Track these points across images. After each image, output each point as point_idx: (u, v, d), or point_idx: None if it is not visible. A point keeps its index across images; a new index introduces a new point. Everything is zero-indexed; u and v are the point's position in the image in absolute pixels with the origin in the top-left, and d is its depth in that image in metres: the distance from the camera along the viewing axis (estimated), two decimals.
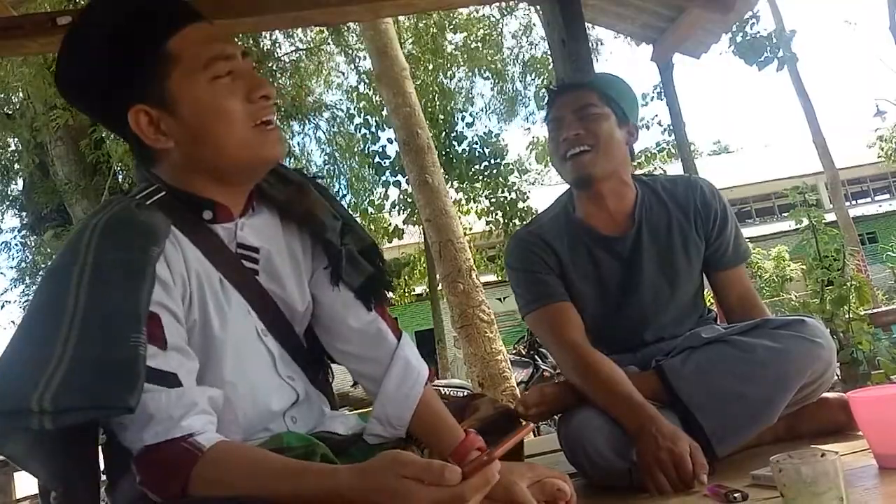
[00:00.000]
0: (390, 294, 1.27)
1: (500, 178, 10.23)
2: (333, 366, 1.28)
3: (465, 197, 10.32)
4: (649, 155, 10.76)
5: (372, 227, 11.36)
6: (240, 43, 1.03)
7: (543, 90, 10.28)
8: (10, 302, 10.91)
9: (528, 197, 10.45)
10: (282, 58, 9.73)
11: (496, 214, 10.31)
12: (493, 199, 10.30)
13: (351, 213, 1.27)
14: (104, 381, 0.85)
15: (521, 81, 12.19)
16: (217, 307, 1.03)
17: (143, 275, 0.91)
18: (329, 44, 10.17)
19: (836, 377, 2.82)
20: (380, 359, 1.17)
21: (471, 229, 10.29)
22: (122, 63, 0.97)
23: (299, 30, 9.44)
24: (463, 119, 10.71)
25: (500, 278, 11.08)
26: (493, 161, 10.18)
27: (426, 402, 1.16)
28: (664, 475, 1.24)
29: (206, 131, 0.98)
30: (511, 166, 10.58)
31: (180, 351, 0.95)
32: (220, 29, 1.03)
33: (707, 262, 1.64)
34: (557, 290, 1.58)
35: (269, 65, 9.07)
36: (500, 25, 11.24)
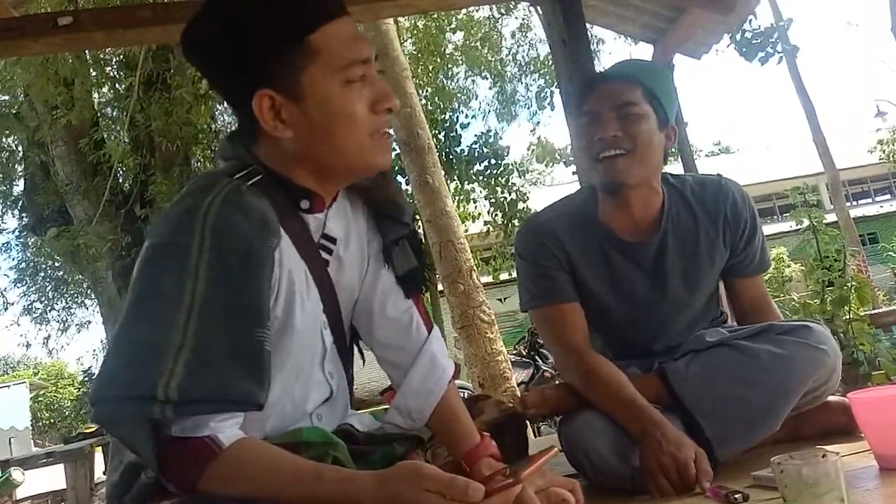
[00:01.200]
0: (429, 287, 1.29)
1: (500, 179, 10.22)
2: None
3: (464, 198, 10.31)
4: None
5: None
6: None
7: (545, 91, 10.30)
8: (11, 304, 10.91)
9: (528, 197, 10.44)
10: None
11: (495, 215, 10.31)
12: (493, 200, 10.30)
13: None
14: (232, 375, 0.85)
15: (520, 82, 12.18)
16: (301, 305, 1.02)
17: (263, 266, 0.91)
18: None
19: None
20: (409, 348, 1.17)
21: (466, 230, 10.33)
22: (262, 46, 0.95)
23: None
24: (460, 121, 10.71)
25: (494, 280, 11.08)
26: (492, 161, 10.18)
27: (447, 400, 1.16)
28: (667, 480, 1.23)
29: (329, 131, 0.97)
30: (511, 166, 10.58)
31: (269, 354, 0.94)
32: (360, 33, 1.01)
33: (729, 269, 1.58)
34: (565, 289, 1.52)
35: None
36: (499, 25, 11.23)
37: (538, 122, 12.68)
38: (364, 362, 1.27)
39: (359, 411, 1.29)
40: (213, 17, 0.98)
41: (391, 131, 1.03)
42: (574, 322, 1.52)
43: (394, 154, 9.55)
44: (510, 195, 10.21)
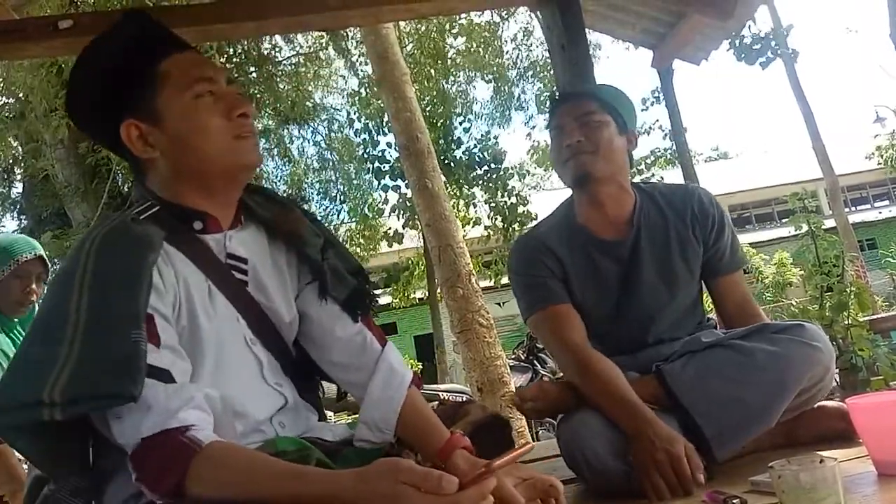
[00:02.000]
0: (377, 303, 1.33)
1: (500, 183, 10.24)
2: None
3: (465, 203, 10.32)
4: (649, 162, 10.78)
5: (366, 232, 11.38)
6: (233, 61, 1.14)
7: (545, 94, 10.34)
8: None
9: (528, 201, 10.46)
10: (282, 62, 9.75)
11: (495, 220, 10.32)
12: (493, 204, 10.31)
13: (335, 234, 1.36)
14: (109, 374, 0.91)
15: (518, 86, 12.21)
16: (205, 314, 1.07)
17: (140, 279, 0.98)
18: (328, 48, 10.17)
19: (835, 383, 2.81)
20: (366, 366, 1.21)
21: (465, 235, 10.36)
22: (117, 83, 1.08)
23: (299, 34, 9.46)
24: (461, 123, 10.73)
25: (495, 284, 11.10)
26: (492, 166, 10.20)
27: (411, 404, 1.19)
28: (661, 477, 1.25)
29: (188, 142, 1.08)
30: (511, 170, 10.60)
31: (173, 350, 1.00)
32: (205, 58, 1.17)
33: (705, 268, 1.66)
34: (559, 293, 1.61)
35: (269, 69, 9.08)
36: (500, 30, 11.26)
37: (534, 126, 12.70)
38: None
39: (339, 419, 1.30)
40: (76, 78, 1.13)
41: (253, 133, 1.12)
42: (571, 321, 1.58)
43: (393, 158, 9.62)
44: (510, 199, 10.23)
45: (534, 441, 4.06)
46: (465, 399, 4.15)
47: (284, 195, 1.33)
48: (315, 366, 1.27)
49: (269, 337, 1.17)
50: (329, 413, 3.14)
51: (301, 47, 10.08)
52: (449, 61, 11.03)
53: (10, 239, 2.25)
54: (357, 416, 1.25)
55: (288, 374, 1.20)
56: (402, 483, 0.79)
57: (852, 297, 2.72)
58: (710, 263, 1.66)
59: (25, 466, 2.13)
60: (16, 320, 2.23)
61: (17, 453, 2.10)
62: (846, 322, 2.64)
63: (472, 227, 10.63)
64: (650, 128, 11.46)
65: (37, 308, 2.17)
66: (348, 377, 1.23)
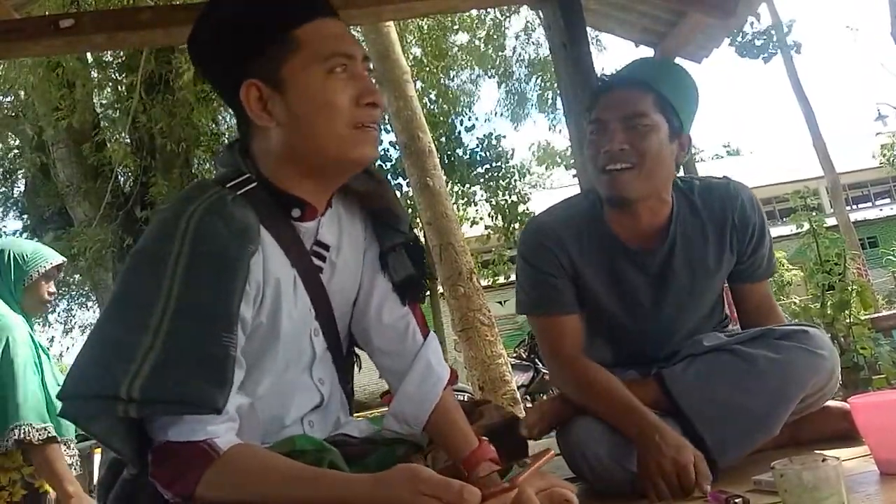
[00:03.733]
0: (426, 294, 1.29)
1: (502, 182, 10.23)
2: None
3: (466, 202, 10.31)
4: None
5: None
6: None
7: (548, 92, 10.31)
8: None
9: (528, 199, 10.45)
10: None
11: (496, 219, 10.31)
12: (494, 203, 10.30)
13: None
14: (194, 378, 0.86)
15: (523, 83, 12.19)
16: (288, 309, 1.03)
17: (237, 272, 0.92)
18: None
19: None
20: (405, 354, 1.18)
21: (463, 235, 10.36)
22: (249, 38, 0.99)
23: None
24: (462, 123, 10.72)
25: (492, 283, 11.09)
26: (494, 164, 10.19)
27: (444, 406, 1.16)
28: (666, 484, 1.23)
29: (309, 120, 0.99)
30: (513, 168, 10.59)
31: (235, 362, 0.94)
32: (347, 31, 1.04)
33: (735, 274, 1.57)
34: (565, 300, 1.49)
35: None
36: (504, 26, 11.24)
37: (535, 122, 12.70)
38: (360, 367, 1.28)
39: (356, 416, 1.29)
40: (207, 16, 1.04)
41: (376, 126, 1.04)
42: (570, 333, 1.50)
43: (394, 156, 9.61)
44: (511, 198, 10.22)
45: (536, 440, 4.06)
46: (466, 398, 4.15)
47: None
48: (355, 358, 1.25)
49: (331, 328, 1.13)
50: None
51: None
52: (451, 59, 11.01)
53: (35, 245, 2.34)
54: (371, 413, 1.25)
55: (335, 365, 1.17)
56: (421, 492, 0.78)
57: (854, 295, 2.72)
58: (744, 272, 1.55)
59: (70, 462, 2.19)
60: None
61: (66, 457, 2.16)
62: (848, 321, 2.64)
63: (472, 226, 10.62)
64: None
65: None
66: (386, 362, 1.19)
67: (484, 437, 1.16)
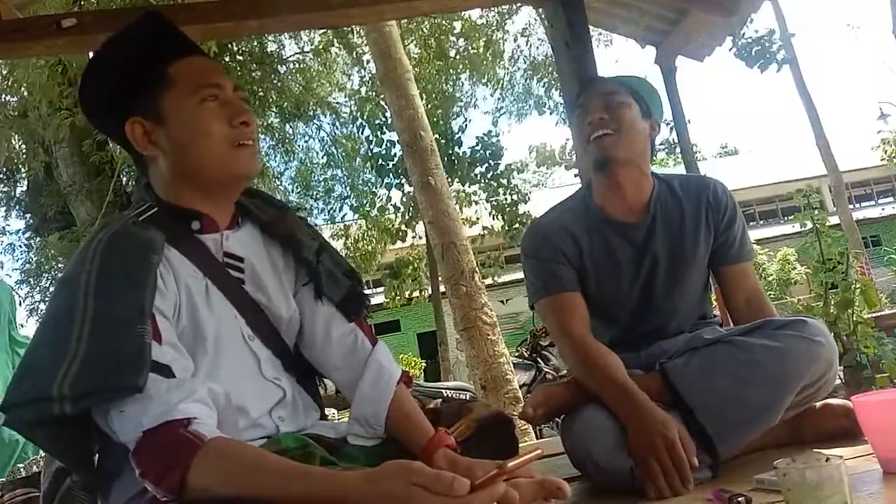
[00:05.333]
0: (369, 304, 1.36)
1: (502, 180, 10.22)
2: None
3: (465, 201, 10.31)
4: (651, 161, 10.77)
5: (375, 231, 11.38)
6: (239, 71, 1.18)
7: (548, 94, 10.32)
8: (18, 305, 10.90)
9: (528, 198, 10.45)
10: (287, 60, 9.75)
11: (496, 218, 10.31)
12: (494, 203, 10.30)
13: (346, 231, 1.41)
14: (115, 367, 0.93)
15: (524, 83, 12.18)
16: (204, 313, 1.10)
17: (145, 279, 1.01)
18: (334, 46, 10.17)
19: (839, 380, 2.81)
20: (357, 365, 1.24)
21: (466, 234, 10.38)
22: (127, 82, 1.12)
23: (304, 32, 9.45)
24: (460, 124, 10.72)
25: (494, 282, 11.10)
26: (492, 162, 10.18)
27: (398, 401, 1.21)
28: (657, 461, 1.27)
29: (189, 144, 1.11)
30: (512, 166, 10.59)
31: (175, 347, 1.02)
32: (215, 64, 1.21)
33: (714, 256, 1.67)
34: (567, 280, 1.61)
35: (273, 66, 9.08)
36: (504, 27, 11.23)
37: (535, 121, 12.70)
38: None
39: (338, 420, 1.32)
40: (90, 68, 1.17)
41: (252, 141, 1.15)
42: (576, 310, 1.59)
43: (397, 156, 9.62)
44: (510, 197, 10.21)
45: (537, 439, 4.06)
46: (468, 397, 4.15)
47: (284, 193, 1.37)
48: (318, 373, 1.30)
49: (268, 334, 1.19)
50: (333, 411, 3.14)
51: (306, 45, 10.08)
52: (451, 61, 10.99)
53: None
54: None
55: (288, 371, 1.22)
56: (413, 484, 0.79)
57: (858, 293, 2.71)
58: (720, 251, 1.66)
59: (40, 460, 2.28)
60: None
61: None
62: (851, 319, 2.63)
63: (470, 227, 10.62)
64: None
65: None
66: (341, 376, 1.26)
67: (441, 428, 1.18)
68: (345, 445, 1.16)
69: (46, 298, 11.35)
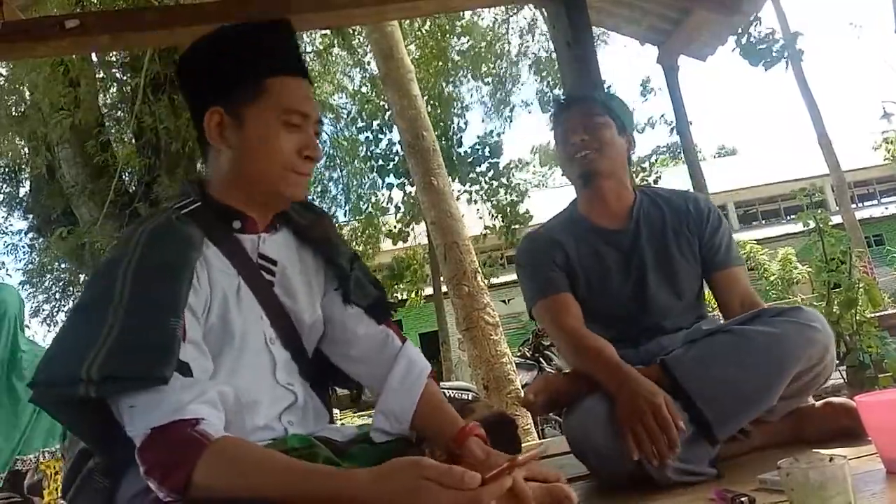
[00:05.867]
0: (396, 311, 1.42)
1: (502, 179, 10.22)
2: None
3: (466, 200, 10.31)
4: (653, 161, 10.75)
5: (370, 230, 11.38)
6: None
7: (548, 93, 10.33)
8: None
9: (528, 196, 10.45)
10: None
11: (496, 218, 10.32)
12: (495, 202, 10.30)
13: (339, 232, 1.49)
14: (143, 356, 0.95)
15: (523, 83, 12.17)
16: (234, 312, 1.11)
17: (182, 273, 1.03)
18: (335, 47, 10.17)
19: (842, 380, 2.80)
20: (386, 359, 1.25)
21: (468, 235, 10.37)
22: (227, 74, 1.14)
23: (305, 33, 9.46)
24: (460, 124, 10.71)
25: (496, 280, 11.10)
26: (492, 161, 10.19)
27: (428, 394, 1.22)
28: (643, 427, 1.30)
29: (255, 152, 1.14)
30: (512, 164, 10.59)
31: (197, 347, 1.03)
32: (311, 92, 1.20)
33: (704, 263, 1.73)
34: (560, 284, 1.70)
35: None
36: (506, 26, 11.23)
37: (536, 121, 12.69)
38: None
39: (342, 423, 1.32)
40: (201, 44, 1.19)
41: (309, 174, 1.19)
42: (569, 308, 1.66)
43: (397, 156, 9.60)
44: (510, 196, 10.21)
45: (539, 438, 4.06)
46: (470, 397, 4.15)
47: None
48: (328, 371, 1.30)
49: (289, 337, 1.20)
50: (336, 410, 3.15)
51: (307, 45, 10.07)
52: (452, 62, 10.98)
53: None
54: (367, 414, 1.27)
55: (302, 376, 1.22)
56: (424, 478, 0.80)
57: (862, 293, 2.71)
58: (709, 258, 1.72)
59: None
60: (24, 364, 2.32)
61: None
62: (854, 319, 2.63)
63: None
64: (654, 123, 11.44)
65: None
66: (369, 370, 1.27)
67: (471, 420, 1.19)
68: (350, 448, 1.16)
69: (49, 299, 11.42)
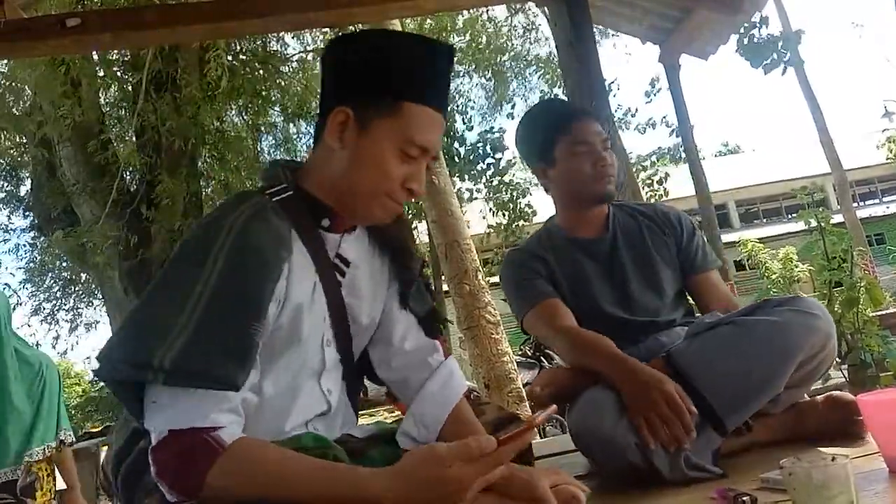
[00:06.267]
0: (446, 326, 1.37)
1: (503, 176, 10.21)
2: None
3: (467, 199, 10.30)
4: (654, 159, 10.74)
5: None
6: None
7: (548, 93, 10.32)
8: (20, 304, 10.93)
9: (529, 193, 10.44)
10: (290, 58, 9.75)
11: (497, 215, 10.31)
12: (496, 200, 10.29)
13: None
14: (220, 357, 0.93)
15: (525, 82, 12.17)
16: (307, 311, 1.09)
17: (271, 271, 1.01)
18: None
19: (843, 379, 2.80)
20: (428, 365, 1.25)
21: (469, 233, 10.35)
22: (370, 82, 1.09)
23: (307, 31, 9.45)
24: (463, 122, 10.70)
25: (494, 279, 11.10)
26: (494, 157, 10.17)
27: (461, 410, 1.22)
28: (657, 415, 1.31)
29: (364, 167, 1.10)
30: (514, 160, 10.57)
31: (258, 347, 1.00)
32: (441, 129, 1.15)
33: (682, 268, 1.78)
34: (548, 291, 1.72)
35: (276, 65, 9.08)
36: (506, 25, 11.22)
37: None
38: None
39: (361, 422, 1.32)
40: (365, 42, 1.15)
41: (399, 205, 1.15)
42: (561, 311, 1.68)
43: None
44: (511, 193, 10.20)
45: (541, 438, 4.06)
46: (472, 396, 4.14)
47: None
48: (367, 368, 1.29)
49: (344, 340, 1.19)
50: None
51: (308, 44, 10.08)
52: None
53: None
54: (376, 421, 1.26)
55: (343, 379, 1.21)
56: (443, 464, 0.80)
57: (864, 292, 2.71)
58: (686, 263, 1.78)
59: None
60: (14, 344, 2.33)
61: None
62: (856, 318, 2.63)
63: (469, 227, 10.59)
64: (654, 123, 11.44)
65: None
66: (409, 376, 1.25)
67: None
68: (369, 451, 1.14)
69: (50, 298, 11.42)
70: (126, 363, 0.92)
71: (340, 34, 1.17)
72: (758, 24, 5.70)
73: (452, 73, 1.18)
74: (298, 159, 1.23)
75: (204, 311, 0.93)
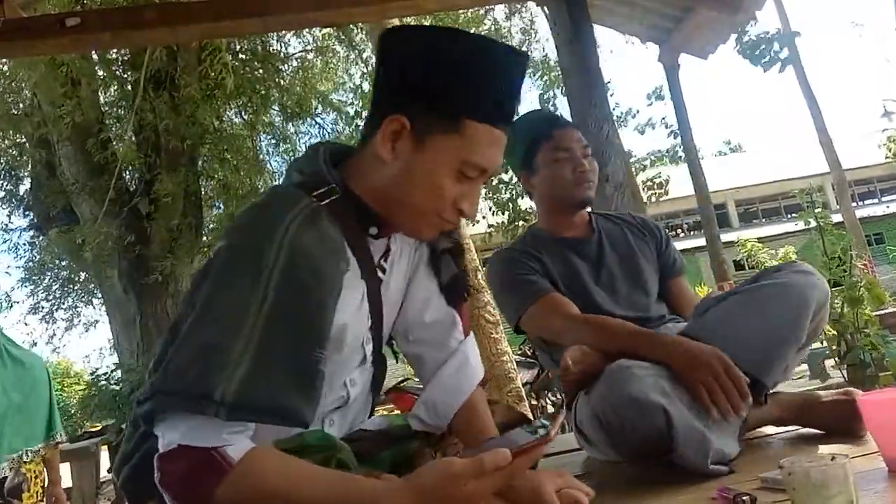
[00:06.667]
0: (471, 294, 1.32)
1: (503, 176, 10.22)
2: None
3: None
4: (654, 159, 10.74)
5: None
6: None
7: (548, 94, 10.32)
8: (18, 302, 10.93)
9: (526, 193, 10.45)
10: (290, 57, 9.74)
11: (497, 215, 10.31)
12: (496, 200, 10.30)
13: None
14: (286, 390, 0.88)
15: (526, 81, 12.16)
16: (352, 322, 1.06)
17: (331, 289, 0.95)
18: (335, 43, 10.16)
19: (842, 379, 2.81)
20: (444, 346, 1.23)
21: (469, 233, 10.35)
22: (433, 94, 1.01)
23: (306, 30, 9.45)
24: None
25: None
26: None
27: (475, 399, 1.21)
28: (716, 380, 1.31)
29: (416, 183, 1.03)
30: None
31: (322, 375, 0.96)
32: (500, 152, 1.06)
33: (660, 271, 1.85)
34: (544, 285, 1.69)
35: (275, 64, 9.08)
36: (506, 26, 11.22)
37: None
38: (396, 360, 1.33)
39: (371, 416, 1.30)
40: (433, 40, 1.03)
41: (450, 224, 1.10)
42: (564, 303, 1.66)
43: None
44: (511, 193, 10.21)
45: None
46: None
47: None
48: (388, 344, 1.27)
49: (378, 339, 1.17)
50: None
51: (309, 43, 10.07)
52: None
53: None
54: (381, 414, 1.26)
55: (372, 365, 1.19)
56: (460, 482, 0.80)
57: (865, 291, 2.72)
58: (665, 268, 1.86)
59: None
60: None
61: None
62: (857, 317, 2.64)
63: (473, 224, 10.60)
64: (653, 124, 11.46)
65: None
66: (423, 351, 1.24)
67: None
68: (376, 450, 1.13)
69: (49, 297, 11.40)
70: (185, 395, 0.85)
71: (404, 24, 1.06)
72: (753, 21, 5.72)
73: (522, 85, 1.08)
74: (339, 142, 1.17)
75: (263, 334, 0.87)
